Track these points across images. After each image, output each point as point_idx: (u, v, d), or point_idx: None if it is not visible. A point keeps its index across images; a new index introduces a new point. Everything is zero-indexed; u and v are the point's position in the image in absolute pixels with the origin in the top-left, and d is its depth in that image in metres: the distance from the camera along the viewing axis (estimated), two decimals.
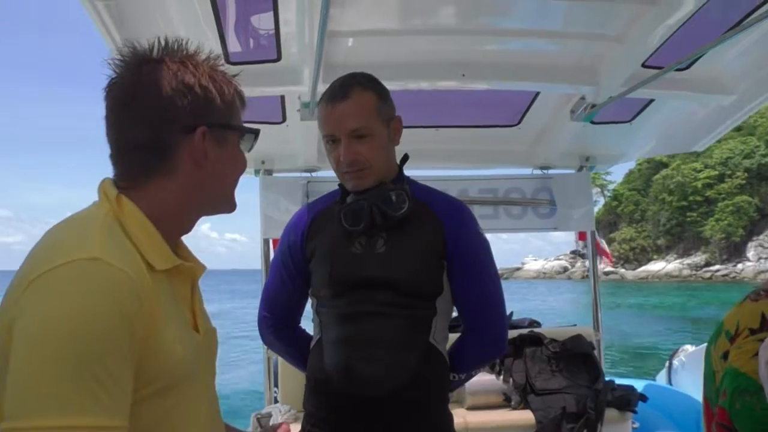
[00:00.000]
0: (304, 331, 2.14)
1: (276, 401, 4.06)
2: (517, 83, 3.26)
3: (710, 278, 59.97)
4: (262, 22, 2.74)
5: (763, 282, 1.87)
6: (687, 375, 4.79)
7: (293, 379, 3.93)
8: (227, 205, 1.27)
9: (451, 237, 1.89)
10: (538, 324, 4.63)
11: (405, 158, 2.04)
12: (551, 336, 4.16)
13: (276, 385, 4.11)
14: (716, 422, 1.71)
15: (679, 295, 43.50)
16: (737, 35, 2.44)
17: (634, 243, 68.96)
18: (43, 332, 0.90)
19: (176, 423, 1.08)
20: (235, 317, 27.06)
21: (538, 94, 3.69)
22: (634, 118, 3.89)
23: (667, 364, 5.23)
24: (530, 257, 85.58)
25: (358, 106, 1.85)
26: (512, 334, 4.00)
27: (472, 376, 2.10)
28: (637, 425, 3.94)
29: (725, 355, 1.74)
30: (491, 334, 1.99)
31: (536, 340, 4.12)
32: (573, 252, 73.45)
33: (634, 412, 3.83)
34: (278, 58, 2.90)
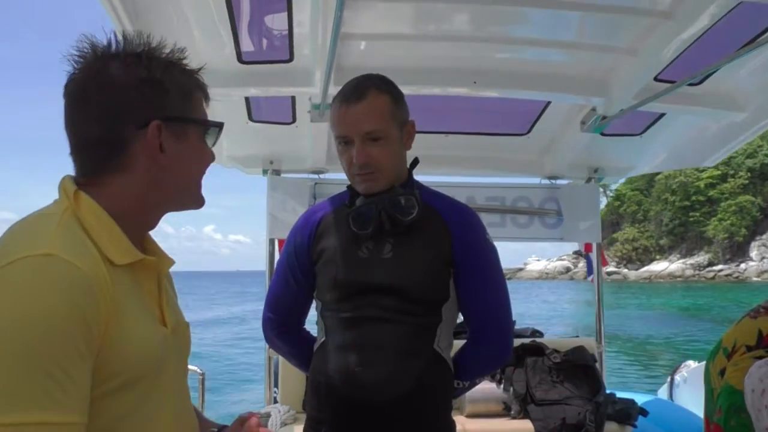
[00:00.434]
0: (308, 333, 2.12)
1: (276, 401, 4.05)
2: (529, 92, 3.25)
3: (713, 278, 59.83)
4: (276, 22, 2.75)
5: (764, 301, 1.85)
6: (689, 391, 4.76)
7: (293, 379, 3.93)
8: (192, 200, 1.25)
9: (458, 244, 1.88)
10: (540, 334, 4.62)
11: (415, 162, 2.02)
12: (553, 346, 4.14)
13: (276, 386, 4.11)
14: None
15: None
16: (751, 52, 2.43)
17: (637, 243, 68.84)
18: None
19: (143, 417, 1.07)
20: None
21: (548, 103, 3.68)
22: (644, 131, 3.88)
23: (668, 379, 5.20)
24: (533, 257, 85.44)
25: (373, 108, 1.83)
26: (514, 343, 3.98)
27: (475, 384, 2.08)
28: None
29: (722, 372, 1.73)
30: (496, 343, 1.98)
31: (538, 350, 4.11)
32: (576, 252, 73.25)
33: (634, 426, 3.81)
34: (290, 59, 2.90)
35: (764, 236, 59.19)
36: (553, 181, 4.45)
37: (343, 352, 1.84)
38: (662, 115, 3.62)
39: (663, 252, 67.79)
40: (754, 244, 59.70)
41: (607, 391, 3.97)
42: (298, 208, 4.05)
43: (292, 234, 2.05)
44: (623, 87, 3.02)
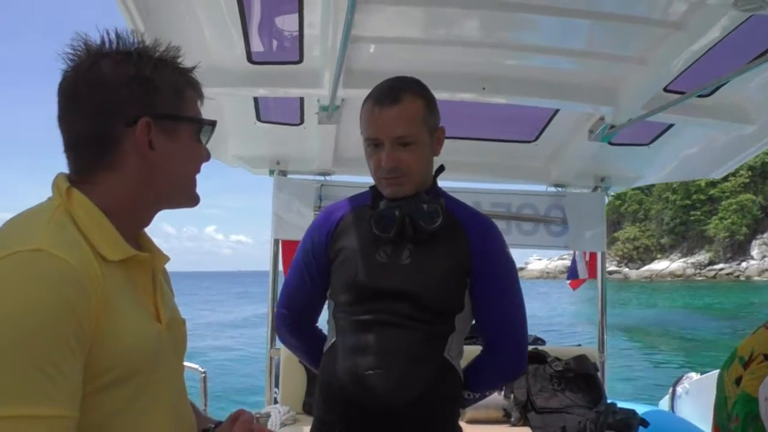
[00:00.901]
0: (320, 331, 2.12)
1: (276, 402, 4.05)
2: (537, 100, 3.25)
3: (714, 277, 59.70)
4: (287, 23, 2.75)
5: None
6: (690, 403, 4.74)
7: (294, 380, 3.93)
8: (186, 198, 1.26)
9: (477, 255, 1.87)
10: (542, 341, 4.61)
11: (440, 169, 2.00)
12: (555, 354, 4.14)
13: (277, 386, 4.11)
14: None
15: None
16: (762, 65, 2.43)
17: (638, 242, 68.71)
18: None
19: (137, 412, 1.07)
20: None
21: (557, 111, 3.67)
22: (652, 141, 3.87)
23: (670, 390, 5.18)
24: (534, 257, 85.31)
25: (406, 113, 1.80)
26: None
27: (486, 396, 2.07)
28: None
29: (738, 381, 1.73)
30: (510, 357, 1.97)
31: (540, 357, 4.10)
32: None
33: None
34: (300, 60, 2.91)
35: (765, 235, 59.04)
36: (560, 189, 4.45)
37: (353, 354, 1.83)
38: (671, 125, 3.61)
39: (664, 251, 67.68)
40: (755, 243, 59.56)
41: (608, 401, 3.96)
42: (304, 209, 4.05)
43: (310, 231, 2.04)
44: (632, 97, 3.01)
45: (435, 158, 1.96)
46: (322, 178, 4.22)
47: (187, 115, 1.20)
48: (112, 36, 1.15)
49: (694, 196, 63.19)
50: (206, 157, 1.26)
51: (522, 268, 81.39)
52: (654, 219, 67.98)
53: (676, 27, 2.51)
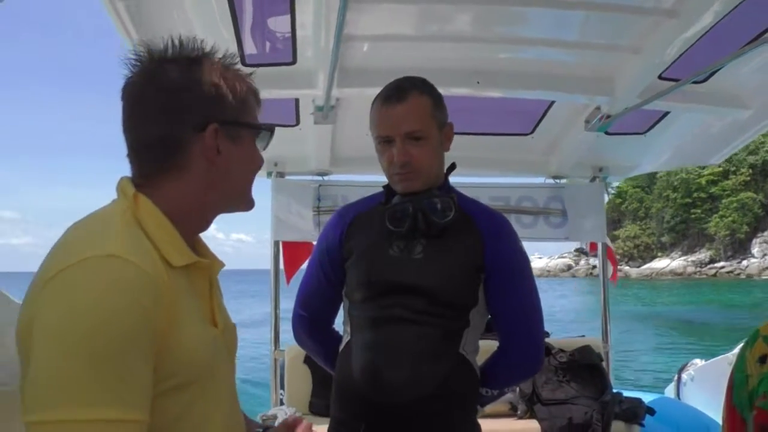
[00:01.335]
0: (337, 332, 2.13)
1: (282, 403, 4.06)
2: (532, 92, 3.25)
3: (715, 275, 59.79)
4: (279, 24, 2.75)
5: None
6: (696, 389, 4.75)
7: (300, 381, 3.93)
8: (244, 202, 1.28)
9: (490, 250, 1.88)
10: (546, 333, 4.61)
11: (452, 167, 2.04)
12: (559, 346, 4.14)
13: (282, 388, 4.12)
14: (757, 425, 1.71)
15: None
16: (755, 49, 2.43)
17: (639, 240, 68.80)
18: (62, 328, 0.91)
19: (196, 417, 1.09)
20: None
21: (552, 103, 3.67)
22: (649, 129, 3.87)
23: (675, 377, 5.18)
24: (536, 255, 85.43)
25: (414, 109, 1.84)
26: None
27: (504, 393, 2.08)
28: None
29: (762, 359, 1.74)
30: (527, 353, 1.97)
31: (544, 349, 4.10)
32: (577, 250, 73.24)
33: (642, 425, 3.80)
34: (293, 61, 2.90)
35: (766, 233, 59.08)
36: (558, 181, 4.45)
37: (368, 351, 1.85)
38: (666, 113, 3.61)
39: (664, 249, 67.77)
40: (755, 241, 59.61)
41: (614, 391, 3.96)
42: (303, 210, 4.06)
43: (325, 232, 2.07)
44: (627, 86, 3.01)
45: (446, 153, 1.98)
46: (320, 178, 4.21)
47: (250, 121, 1.23)
48: (175, 42, 1.17)
49: (695, 194, 63.26)
50: (261, 162, 1.29)
51: None
52: (654, 217, 68.06)
53: (669, 14, 2.51)
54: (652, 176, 67.47)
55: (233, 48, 2.74)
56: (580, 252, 71.96)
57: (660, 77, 2.95)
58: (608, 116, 3.30)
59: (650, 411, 3.88)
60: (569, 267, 76.05)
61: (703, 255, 63.13)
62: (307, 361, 3.94)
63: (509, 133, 4.13)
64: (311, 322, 2.10)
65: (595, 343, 4.30)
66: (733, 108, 3.24)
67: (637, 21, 2.65)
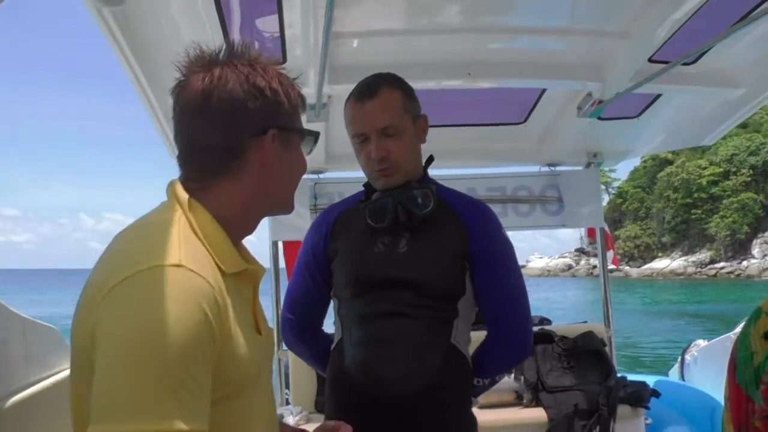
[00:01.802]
0: (326, 333, 2.13)
1: (287, 402, 4.06)
2: (523, 81, 3.25)
3: (715, 275, 59.84)
4: (267, 24, 2.74)
5: None
6: (700, 370, 4.76)
7: (304, 380, 3.93)
8: (288, 205, 1.30)
9: (473, 239, 1.89)
10: (548, 321, 4.62)
11: (430, 159, 2.04)
12: (562, 333, 4.14)
13: (287, 387, 4.12)
14: (766, 398, 1.71)
15: None
16: (744, 28, 2.43)
17: (639, 240, 68.83)
18: (131, 337, 0.91)
19: (243, 425, 1.10)
20: None
21: (544, 91, 3.68)
22: (641, 113, 3.87)
23: (679, 359, 5.19)
24: (536, 255, 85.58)
25: (386, 104, 1.86)
26: None
27: (496, 381, 2.07)
28: (649, 421, 3.92)
29: (767, 335, 1.75)
30: (515, 338, 1.97)
31: (547, 337, 4.10)
32: (577, 250, 73.44)
33: (647, 408, 3.81)
34: (283, 61, 2.90)
35: (766, 234, 59.03)
36: (553, 168, 4.45)
37: (360, 347, 1.85)
38: (658, 96, 3.61)
39: (665, 249, 67.79)
40: (756, 242, 59.60)
41: (618, 375, 3.97)
42: (299, 208, 4.05)
43: (309, 234, 2.08)
44: (618, 70, 3.02)
45: (425, 147, 1.98)
46: (315, 176, 4.21)
47: (302, 128, 1.26)
48: (228, 45, 1.18)
49: (696, 195, 63.18)
50: (306, 167, 1.32)
51: (523, 266, 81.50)
52: (655, 217, 68.05)
53: None
54: (652, 176, 67.67)
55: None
56: (580, 252, 72.18)
57: (650, 60, 2.95)
58: (600, 102, 3.30)
59: (655, 393, 3.89)
60: (569, 267, 76.15)
61: (703, 255, 63.16)
62: None
63: (503, 122, 4.13)
64: (300, 324, 2.11)
65: (598, 329, 4.30)
66: (725, 87, 3.24)
67: (624, 5, 2.65)
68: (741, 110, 3.53)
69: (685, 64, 2.97)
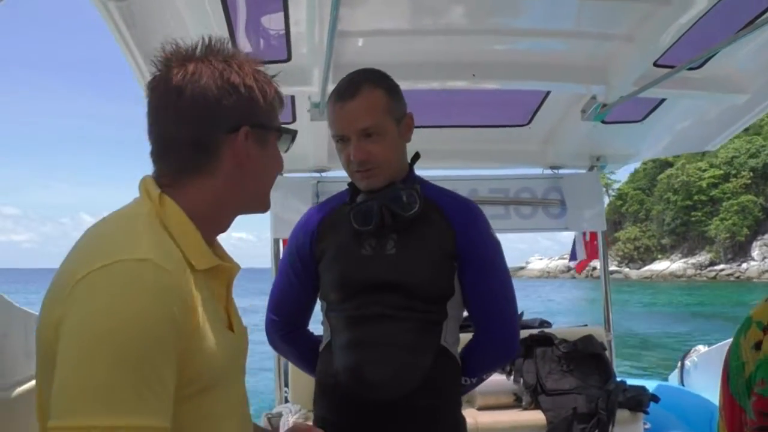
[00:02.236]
0: (312, 334, 2.12)
1: (286, 401, 4.06)
2: (528, 83, 3.25)
3: (715, 278, 59.90)
4: (273, 22, 2.74)
5: None
6: (699, 376, 4.76)
7: (304, 379, 3.90)
8: (262, 205, 1.29)
9: (461, 238, 1.86)
10: (548, 324, 4.62)
11: (416, 157, 1.99)
12: (562, 336, 4.14)
13: (286, 385, 4.12)
14: (757, 411, 1.70)
15: None
16: (750, 34, 2.42)
17: (639, 242, 68.93)
18: (91, 331, 0.91)
19: (214, 422, 1.09)
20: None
21: (548, 93, 3.67)
22: (645, 117, 3.87)
23: (679, 364, 5.19)
24: (536, 256, 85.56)
25: (367, 104, 1.80)
26: (523, 334, 3.98)
27: (483, 380, 2.06)
28: (648, 426, 3.92)
29: (758, 345, 1.73)
30: (502, 338, 1.95)
31: (547, 340, 4.10)
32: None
33: (646, 412, 3.81)
34: (288, 59, 2.90)
35: (766, 236, 59.13)
36: (556, 171, 4.44)
37: (349, 350, 1.83)
38: (663, 100, 3.61)
39: (665, 251, 67.89)
40: (755, 244, 59.67)
41: (618, 379, 3.97)
42: (302, 207, 4.03)
43: (293, 235, 2.04)
44: (623, 74, 3.01)
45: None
46: (318, 174, 4.21)
47: (278, 125, 1.24)
48: (205, 41, 1.16)
49: (696, 197, 63.31)
50: (282, 165, 1.29)
51: (522, 268, 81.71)
52: (655, 219, 68.16)
53: (663, 2, 2.50)
54: (652, 178, 67.71)
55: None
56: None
57: (655, 64, 2.94)
58: (604, 105, 3.29)
59: (654, 398, 3.89)
60: (569, 268, 76.13)
61: (703, 257, 63.25)
62: None
63: (506, 124, 4.12)
64: (285, 325, 2.08)
65: (598, 332, 4.30)
66: (730, 93, 3.23)
67: (630, 8, 2.64)
68: (746, 116, 3.52)
69: (690, 69, 2.96)
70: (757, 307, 1.83)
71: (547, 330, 4.28)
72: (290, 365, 4.04)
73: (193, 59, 1.14)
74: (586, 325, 4.71)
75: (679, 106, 3.67)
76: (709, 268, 62.04)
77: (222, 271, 1.18)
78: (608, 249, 4.85)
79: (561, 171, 4.45)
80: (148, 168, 1.20)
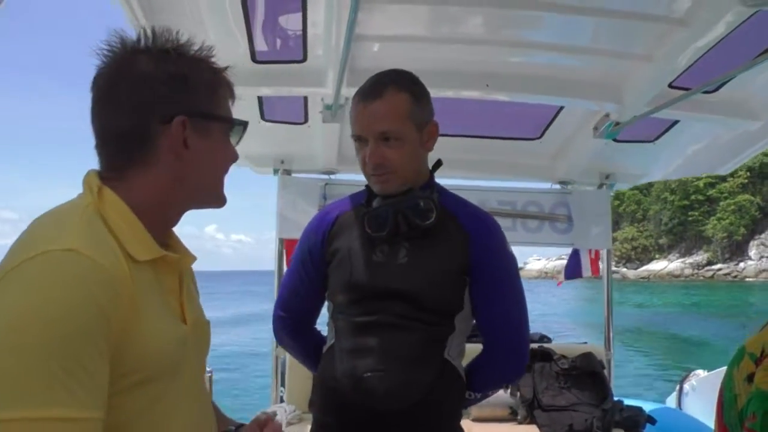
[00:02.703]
0: (319, 332, 2.09)
1: (282, 401, 4.06)
2: (542, 97, 3.24)
3: (712, 277, 59.84)
4: (290, 22, 2.75)
5: None
6: (698, 400, 4.74)
7: (300, 379, 3.92)
8: (214, 198, 1.25)
9: (476, 252, 1.81)
10: (548, 339, 4.60)
11: (438, 164, 1.95)
12: (561, 352, 4.12)
13: (283, 385, 4.11)
14: None
15: None
16: (767, 61, 2.41)
17: (636, 242, 69.02)
18: (14, 323, 0.89)
19: (159, 414, 1.07)
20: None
21: (561, 108, 3.67)
22: (658, 138, 3.86)
23: (677, 387, 5.17)
24: (534, 257, 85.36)
25: (389, 107, 1.75)
26: None
27: (488, 396, 2.04)
28: None
29: (750, 378, 1.71)
30: (512, 356, 1.92)
31: (546, 355, 4.09)
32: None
33: None
34: (304, 59, 2.90)
35: (763, 235, 59.17)
36: (565, 187, 4.44)
37: (352, 356, 1.80)
38: (676, 122, 3.60)
39: (662, 251, 67.95)
40: (752, 244, 59.71)
41: (615, 399, 3.95)
42: (309, 208, 4.05)
43: (306, 233, 2.01)
44: (637, 93, 3.00)
45: (436, 154, 1.90)
46: (326, 176, 4.22)
47: (221, 115, 1.21)
48: (149, 33, 1.15)
49: (693, 197, 63.44)
50: (234, 157, 1.26)
51: (521, 268, 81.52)
52: (652, 219, 68.27)
53: (681, 23, 2.50)
54: None
55: (244, 44, 2.75)
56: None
57: (670, 86, 2.94)
58: (617, 123, 3.29)
59: (651, 420, 3.87)
60: None
61: (700, 257, 63.34)
62: None
63: (518, 137, 4.12)
64: (292, 323, 2.06)
65: (598, 351, 4.28)
66: (744, 119, 3.22)
67: (648, 29, 2.64)
68: (759, 143, 3.51)
69: (705, 92, 2.96)
70: (751, 337, 1.81)
71: (546, 345, 4.26)
72: (287, 366, 4.05)
73: (132, 50, 1.13)
74: (586, 343, 4.69)
75: (692, 128, 3.66)
76: (706, 268, 62.09)
77: (171, 263, 1.17)
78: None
79: (570, 187, 4.44)
80: None
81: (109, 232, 1.06)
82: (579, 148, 3.99)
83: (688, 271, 63.22)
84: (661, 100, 2.95)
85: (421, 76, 1.91)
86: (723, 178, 60.19)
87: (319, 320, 2.11)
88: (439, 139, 1.91)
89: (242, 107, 3.38)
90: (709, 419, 4.03)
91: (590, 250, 4.68)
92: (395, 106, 1.76)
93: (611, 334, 4.51)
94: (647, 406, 4.24)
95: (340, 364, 1.83)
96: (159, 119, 1.12)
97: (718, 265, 61.29)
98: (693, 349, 20.29)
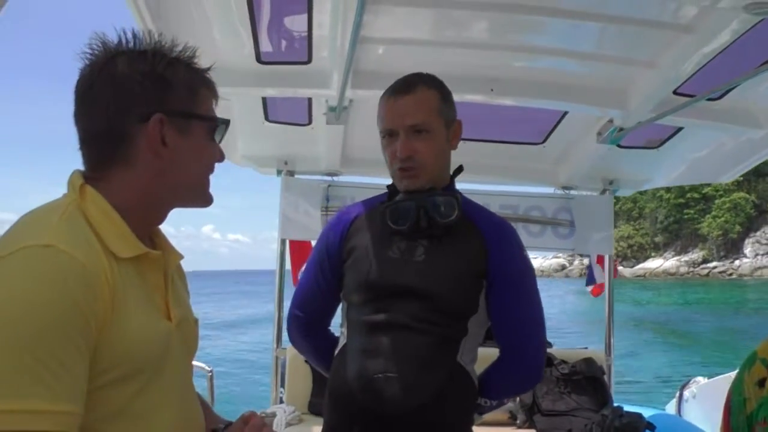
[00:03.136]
0: (332, 334, 2.09)
1: (281, 401, 4.06)
2: (546, 101, 3.25)
3: (708, 275, 59.87)
4: (296, 23, 2.76)
5: None
6: (697, 407, 4.72)
7: (300, 380, 3.93)
8: (199, 197, 1.25)
9: (494, 257, 1.82)
10: (549, 344, 4.59)
11: (459, 169, 1.98)
12: (561, 357, 4.12)
13: (282, 386, 4.12)
14: None
15: None
16: None
17: (632, 240, 69.12)
18: None
19: (141, 409, 1.08)
20: None
21: (565, 113, 3.67)
22: (661, 144, 3.86)
23: (677, 394, 5.15)
24: (531, 256, 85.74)
25: (420, 101, 1.81)
26: None
27: (504, 403, 2.04)
28: None
29: (761, 383, 1.71)
30: (527, 366, 1.92)
31: (546, 360, 4.08)
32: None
33: None
34: (309, 61, 2.91)
35: (758, 233, 59.29)
36: (567, 192, 4.43)
37: (363, 357, 1.79)
38: (680, 129, 3.59)
39: (658, 249, 68.11)
40: (748, 241, 59.78)
41: (615, 404, 3.94)
42: (311, 209, 4.06)
43: (325, 232, 2.03)
44: (641, 99, 3.00)
45: (457, 160, 1.92)
46: (329, 178, 4.22)
47: (200, 113, 1.21)
48: (129, 36, 1.16)
49: (688, 195, 63.58)
50: (219, 156, 1.26)
51: None
52: (648, 217, 68.44)
53: (687, 30, 2.50)
54: None
55: (249, 45, 2.76)
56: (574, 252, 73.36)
57: (675, 92, 2.93)
58: (621, 129, 3.28)
59: (650, 426, 3.85)
60: (563, 267, 76.25)
61: (696, 255, 63.49)
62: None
63: (521, 141, 4.12)
64: (307, 323, 2.06)
65: (598, 356, 4.28)
66: (748, 127, 3.22)
67: (653, 35, 2.64)
68: (762, 151, 3.50)
69: (709, 99, 2.96)
70: (764, 342, 1.81)
71: (547, 350, 4.25)
72: (287, 367, 4.05)
73: (111, 53, 1.15)
74: (586, 348, 4.68)
75: (696, 135, 3.66)
76: (702, 266, 62.22)
77: (155, 260, 1.18)
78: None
79: (572, 192, 4.44)
80: None
81: (91, 229, 1.07)
82: (582, 153, 3.99)
83: (683, 269, 63.36)
84: (666, 106, 2.95)
85: None
86: None
87: (333, 323, 2.12)
88: None
89: (246, 108, 3.41)
90: (709, 426, 4.03)
91: (598, 256, 4.70)
92: (427, 100, 1.82)
93: (612, 340, 4.51)
94: (647, 412, 4.23)
95: (350, 364, 1.82)
96: (136, 118, 1.13)
97: (714, 263, 61.42)
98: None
